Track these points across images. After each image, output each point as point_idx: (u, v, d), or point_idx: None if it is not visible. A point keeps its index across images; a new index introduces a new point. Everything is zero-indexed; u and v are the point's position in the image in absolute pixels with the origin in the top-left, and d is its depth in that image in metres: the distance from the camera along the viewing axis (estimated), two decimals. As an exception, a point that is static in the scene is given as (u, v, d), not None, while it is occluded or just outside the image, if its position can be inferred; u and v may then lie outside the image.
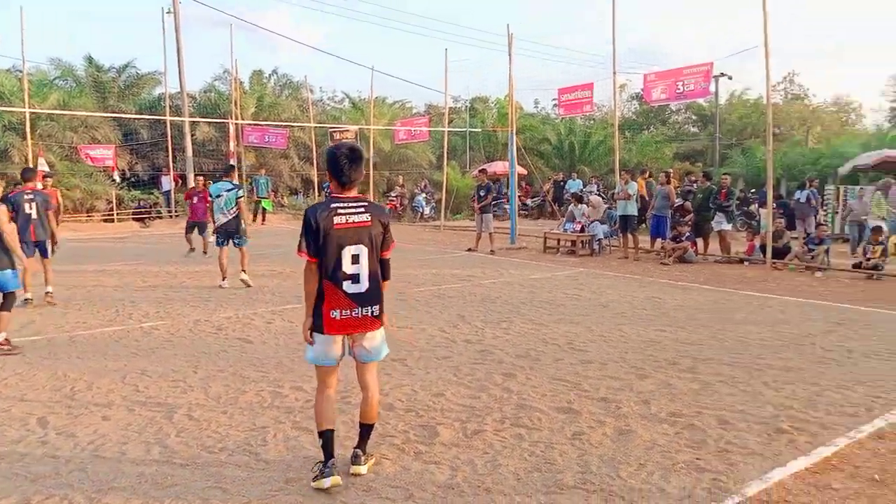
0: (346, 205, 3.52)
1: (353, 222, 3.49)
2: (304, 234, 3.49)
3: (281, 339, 6.82)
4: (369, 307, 3.56)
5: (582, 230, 14.78)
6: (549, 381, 5.30)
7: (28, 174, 8.93)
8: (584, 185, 22.83)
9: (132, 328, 7.37)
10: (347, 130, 24.78)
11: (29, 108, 17.59)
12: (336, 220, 3.46)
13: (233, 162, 20.43)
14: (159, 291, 9.74)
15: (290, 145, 26.73)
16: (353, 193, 3.59)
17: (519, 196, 23.75)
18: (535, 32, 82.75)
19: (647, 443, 4.03)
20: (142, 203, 24.25)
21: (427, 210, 24.78)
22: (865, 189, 16.36)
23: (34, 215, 8.46)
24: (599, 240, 14.77)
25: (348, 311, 3.50)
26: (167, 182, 23.92)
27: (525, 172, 24.67)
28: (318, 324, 3.51)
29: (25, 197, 8.40)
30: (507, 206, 16.44)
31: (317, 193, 25.03)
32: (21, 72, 19.66)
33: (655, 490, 3.42)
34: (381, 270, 3.64)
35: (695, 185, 14.96)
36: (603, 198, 17.59)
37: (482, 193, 14.82)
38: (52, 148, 21.45)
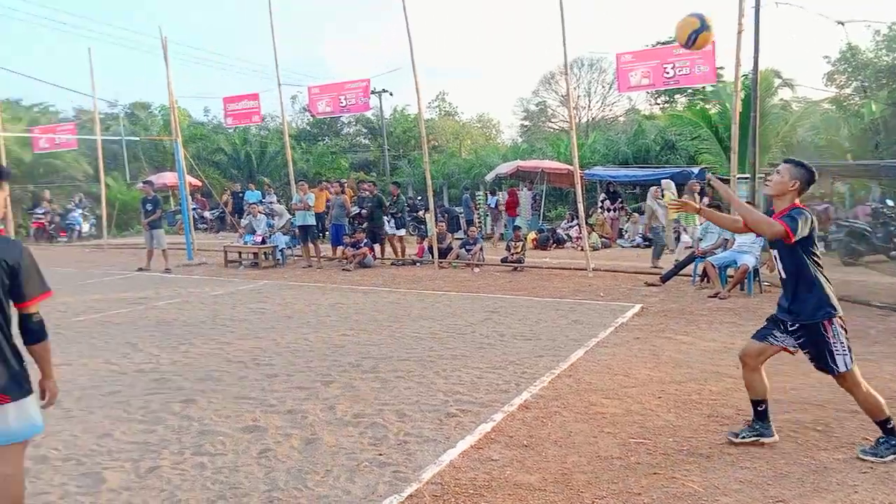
0: None
1: None
2: None
3: None
4: None
5: (263, 242, 14.56)
6: (233, 402, 5.10)
7: None
8: (264, 196, 22.55)
9: None
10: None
11: None
12: None
13: None
14: None
15: None
16: None
17: (195, 209, 22.47)
18: (197, 39, 78.69)
19: (332, 448, 4.13)
20: None
21: (86, 227, 21.97)
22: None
23: None
24: (282, 250, 14.72)
25: None
26: None
27: (200, 184, 23.39)
28: None
29: None
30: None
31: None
32: None
33: (342, 493, 3.52)
34: (26, 330, 2.71)
35: (367, 193, 15.82)
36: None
37: (149, 207, 13.66)
38: None
